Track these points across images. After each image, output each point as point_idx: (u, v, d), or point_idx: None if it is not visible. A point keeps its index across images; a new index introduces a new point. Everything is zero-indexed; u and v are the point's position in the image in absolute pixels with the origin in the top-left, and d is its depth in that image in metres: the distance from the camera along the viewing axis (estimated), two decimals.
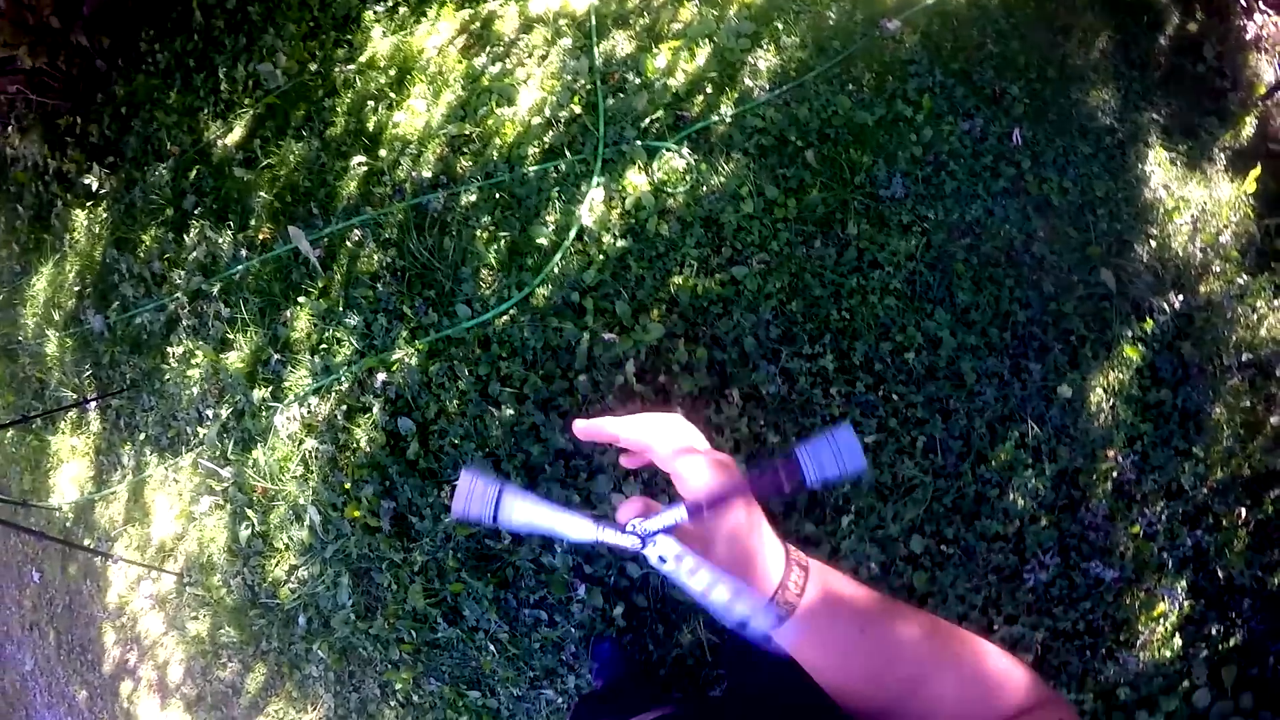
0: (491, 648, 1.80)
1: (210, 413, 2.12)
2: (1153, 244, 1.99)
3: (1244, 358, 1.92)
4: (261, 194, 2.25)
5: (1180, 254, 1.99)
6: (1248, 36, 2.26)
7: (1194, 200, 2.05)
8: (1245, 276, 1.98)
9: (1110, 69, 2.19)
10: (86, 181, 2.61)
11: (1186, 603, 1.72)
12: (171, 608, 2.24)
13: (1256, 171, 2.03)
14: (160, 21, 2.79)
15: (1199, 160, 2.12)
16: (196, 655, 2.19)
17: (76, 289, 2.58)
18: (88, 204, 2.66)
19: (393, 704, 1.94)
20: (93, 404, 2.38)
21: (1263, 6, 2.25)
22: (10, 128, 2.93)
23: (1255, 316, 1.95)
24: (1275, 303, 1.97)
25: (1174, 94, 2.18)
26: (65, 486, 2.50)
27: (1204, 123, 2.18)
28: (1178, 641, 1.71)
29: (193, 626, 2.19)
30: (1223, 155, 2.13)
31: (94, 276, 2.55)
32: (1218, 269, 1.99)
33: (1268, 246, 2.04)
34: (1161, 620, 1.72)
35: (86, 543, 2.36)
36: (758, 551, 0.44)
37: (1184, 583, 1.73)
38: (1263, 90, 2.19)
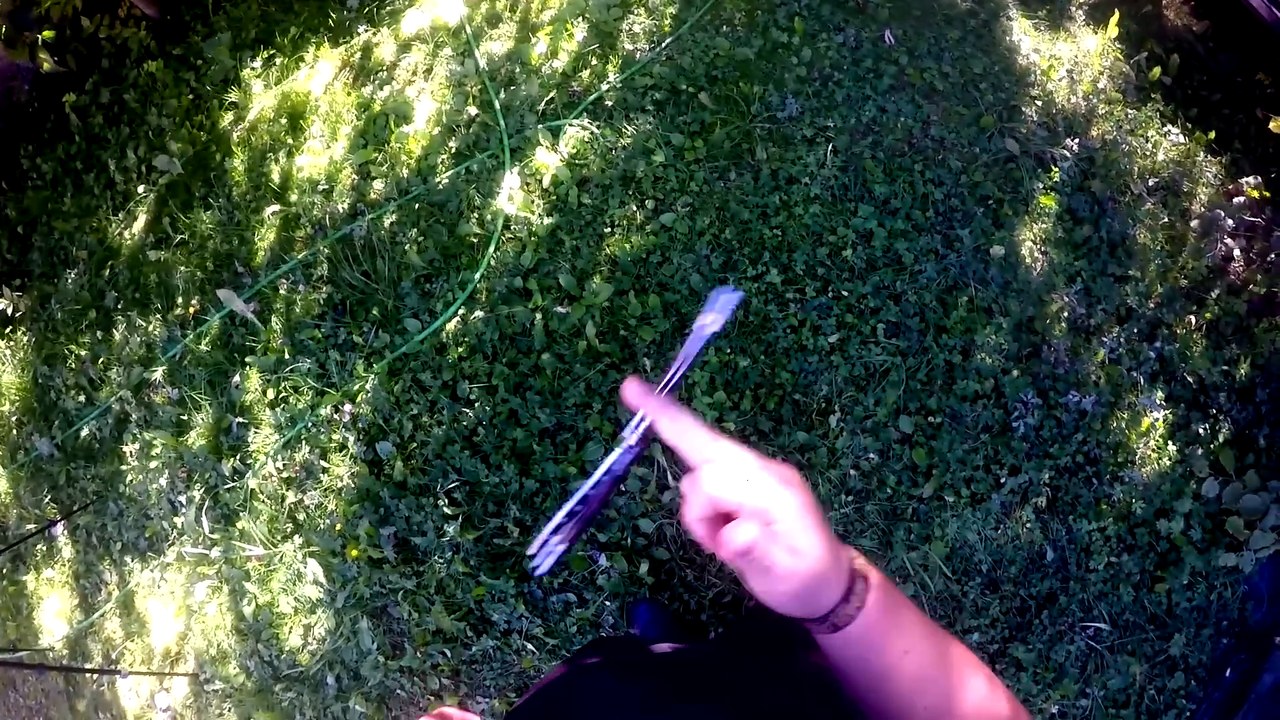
0: (529, 646, 1.78)
1: (183, 499, 2.05)
2: (1039, 103, 2.10)
3: (1150, 182, 2.04)
4: (181, 269, 2.21)
5: (1066, 106, 2.11)
6: None
7: (1065, 56, 2.18)
8: (1131, 111, 2.11)
9: None
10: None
11: (1168, 411, 1.80)
12: (193, 713, 2.15)
13: (1116, 17, 2.17)
14: (35, 135, 2.73)
15: (1060, 20, 2.26)
16: None
17: (14, 419, 2.48)
18: (4, 330, 2.57)
19: None
20: (59, 526, 2.27)
21: None
22: None
23: (1150, 144, 2.08)
24: (1164, 129, 2.11)
25: None
26: (52, 624, 2.37)
27: None
28: (1171, 448, 1.78)
29: None
30: (1080, 12, 2.27)
31: (30, 401, 2.45)
32: (1104, 110, 2.12)
33: (1143, 81, 2.18)
34: (1151, 433, 1.79)
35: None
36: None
37: (1160, 394, 1.81)
38: None
